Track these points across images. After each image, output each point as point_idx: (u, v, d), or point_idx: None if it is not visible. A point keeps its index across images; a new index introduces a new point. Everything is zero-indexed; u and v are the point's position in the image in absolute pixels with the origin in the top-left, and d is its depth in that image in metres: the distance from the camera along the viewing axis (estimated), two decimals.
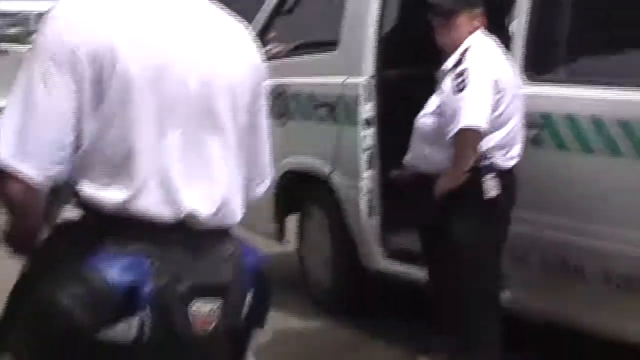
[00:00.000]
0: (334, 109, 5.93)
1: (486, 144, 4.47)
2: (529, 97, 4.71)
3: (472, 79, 4.44)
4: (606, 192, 4.55)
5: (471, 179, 4.45)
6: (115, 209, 2.21)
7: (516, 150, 4.58)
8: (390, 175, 5.26)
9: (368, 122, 5.71)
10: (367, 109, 5.71)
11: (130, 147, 2.20)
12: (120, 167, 2.21)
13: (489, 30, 4.72)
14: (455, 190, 4.46)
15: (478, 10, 4.66)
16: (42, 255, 2.30)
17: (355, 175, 5.76)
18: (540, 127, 4.76)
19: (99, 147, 2.20)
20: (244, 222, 2.44)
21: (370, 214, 5.73)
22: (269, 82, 2.58)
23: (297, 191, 6.29)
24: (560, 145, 4.70)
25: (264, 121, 2.52)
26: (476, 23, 4.64)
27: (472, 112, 4.41)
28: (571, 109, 4.67)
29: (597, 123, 4.53)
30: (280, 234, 6.50)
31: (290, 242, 6.59)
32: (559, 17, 5.02)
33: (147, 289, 2.17)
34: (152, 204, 2.22)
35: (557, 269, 4.77)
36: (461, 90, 4.43)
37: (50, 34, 2.19)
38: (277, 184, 6.19)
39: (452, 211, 4.50)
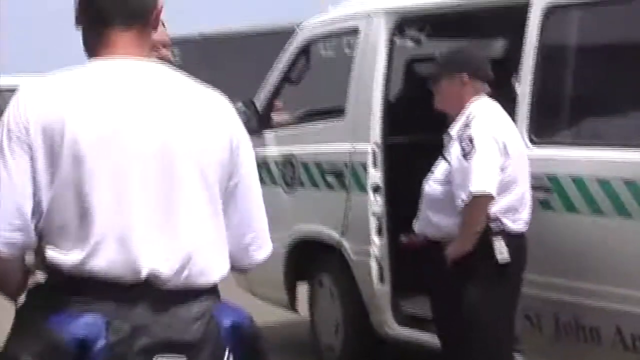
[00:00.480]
0: (342, 176, 5.96)
1: (494, 207, 4.48)
2: (535, 160, 4.73)
3: (479, 145, 4.46)
4: (617, 253, 4.55)
5: (481, 243, 4.45)
6: (74, 270, 2.33)
7: (525, 213, 4.59)
8: (399, 241, 5.26)
9: (376, 189, 5.73)
10: (374, 176, 5.74)
11: (85, 210, 2.33)
12: (78, 229, 2.34)
13: (496, 92, 4.75)
14: (466, 254, 4.46)
15: (462, 75, 4.65)
16: (16, 317, 2.44)
17: (365, 241, 5.76)
18: (548, 190, 4.78)
19: (57, 213, 2.34)
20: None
21: (381, 281, 5.73)
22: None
23: (307, 259, 6.29)
24: (569, 207, 4.71)
25: (253, 185, 2.55)
26: (467, 88, 4.65)
27: (481, 178, 4.42)
28: (578, 170, 4.70)
29: (604, 184, 4.55)
30: (291, 303, 6.49)
31: (302, 311, 6.56)
32: (562, 80, 5.06)
33: (100, 344, 2.28)
34: (108, 264, 2.33)
35: (570, 331, 4.74)
36: (469, 156, 4.45)
37: (10, 112, 2.38)
38: (287, 252, 6.20)
39: (463, 276, 4.49)
